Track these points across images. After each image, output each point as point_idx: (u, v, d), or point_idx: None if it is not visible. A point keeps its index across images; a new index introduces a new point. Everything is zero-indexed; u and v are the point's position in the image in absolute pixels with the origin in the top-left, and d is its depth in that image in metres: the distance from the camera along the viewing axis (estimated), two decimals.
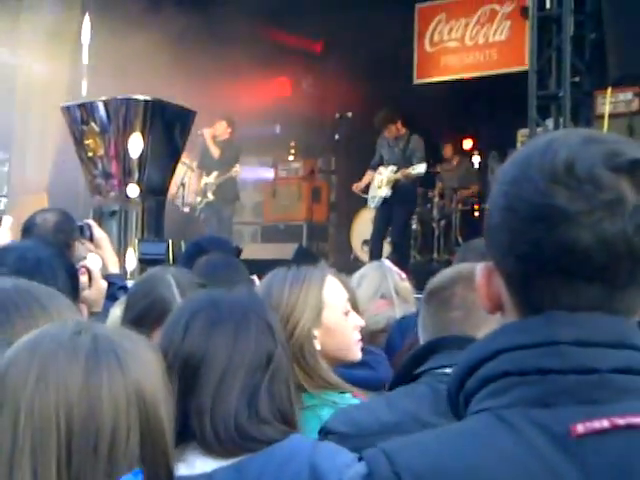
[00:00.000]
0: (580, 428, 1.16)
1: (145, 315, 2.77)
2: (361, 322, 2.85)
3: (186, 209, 12.13)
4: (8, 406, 1.27)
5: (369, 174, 11.06)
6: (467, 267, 2.40)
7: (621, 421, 1.16)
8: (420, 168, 10.53)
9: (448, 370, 2.16)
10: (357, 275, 4.19)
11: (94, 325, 1.39)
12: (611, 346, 1.19)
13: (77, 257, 3.84)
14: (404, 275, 4.19)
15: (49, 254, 2.89)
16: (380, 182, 10.86)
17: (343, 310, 2.78)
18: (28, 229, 4.06)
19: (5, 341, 1.49)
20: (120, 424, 1.30)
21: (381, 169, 10.94)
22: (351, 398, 2.63)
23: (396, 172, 10.72)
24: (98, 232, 4.08)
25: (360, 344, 2.83)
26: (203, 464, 1.97)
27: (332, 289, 2.77)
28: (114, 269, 4.06)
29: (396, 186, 10.67)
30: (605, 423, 1.16)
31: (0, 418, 1.27)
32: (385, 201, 10.74)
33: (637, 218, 1.17)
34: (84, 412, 1.28)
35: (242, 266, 3.86)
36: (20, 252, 2.87)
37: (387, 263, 4.24)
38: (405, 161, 10.81)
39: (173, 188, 12.00)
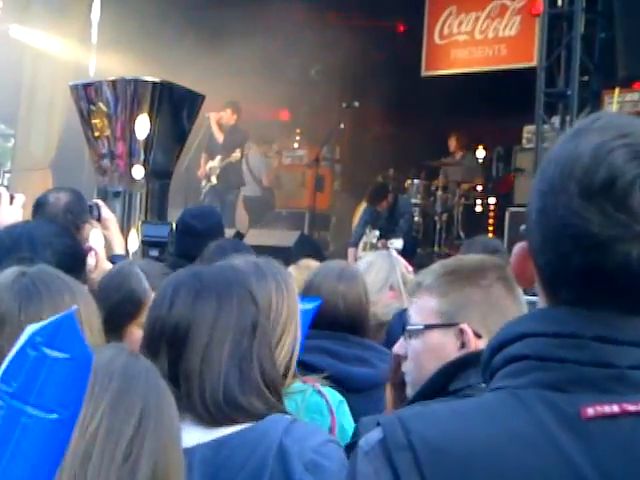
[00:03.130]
0: (590, 411, 1.19)
1: (117, 310, 2.79)
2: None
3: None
4: None
5: (351, 253, 11.11)
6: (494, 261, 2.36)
7: (632, 407, 1.19)
8: (398, 244, 10.60)
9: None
10: (364, 261, 4.23)
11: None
12: (634, 345, 1.22)
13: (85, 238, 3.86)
14: (410, 268, 4.22)
15: (39, 232, 2.90)
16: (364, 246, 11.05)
17: None
18: (39, 207, 4.07)
19: None
20: None
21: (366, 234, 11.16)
22: (302, 385, 2.65)
23: (378, 239, 10.92)
24: (106, 212, 4.08)
25: None
26: (188, 436, 1.92)
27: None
28: (119, 250, 4.08)
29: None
30: (615, 408, 1.19)
31: None
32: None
33: None
34: None
35: (251, 251, 3.88)
36: (8, 229, 2.93)
37: (394, 254, 4.28)
38: (392, 224, 10.97)
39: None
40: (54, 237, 2.93)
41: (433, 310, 2.25)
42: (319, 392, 2.68)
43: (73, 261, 2.86)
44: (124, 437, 1.43)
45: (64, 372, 1.29)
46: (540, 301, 1.33)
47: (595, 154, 1.22)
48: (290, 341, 2.57)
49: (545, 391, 1.22)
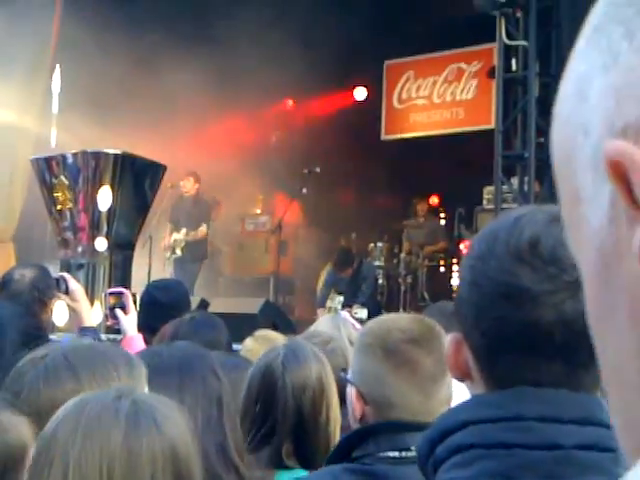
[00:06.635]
0: None
1: None
2: None
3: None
4: (58, 459, 1.43)
5: (320, 314, 11.01)
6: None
7: None
8: (362, 314, 10.57)
9: (391, 454, 2.11)
10: (312, 328, 4.22)
11: (133, 390, 1.54)
12: (575, 422, 1.22)
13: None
14: (359, 325, 4.21)
15: (5, 312, 2.93)
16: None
17: None
18: (5, 284, 4.05)
19: (6, 401, 1.62)
20: (157, 477, 1.43)
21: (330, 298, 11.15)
22: None
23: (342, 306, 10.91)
24: (74, 284, 4.03)
25: None
26: None
27: None
28: (89, 322, 4.02)
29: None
30: None
31: (52, 469, 1.43)
32: None
33: None
34: (124, 466, 1.41)
35: (223, 326, 3.82)
36: None
37: (342, 314, 4.27)
38: (355, 287, 10.95)
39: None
40: (19, 318, 2.95)
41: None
42: None
43: (38, 340, 2.87)
44: None
45: None
46: (475, 388, 1.31)
47: (516, 221, 1.27)
48: None
49: None
